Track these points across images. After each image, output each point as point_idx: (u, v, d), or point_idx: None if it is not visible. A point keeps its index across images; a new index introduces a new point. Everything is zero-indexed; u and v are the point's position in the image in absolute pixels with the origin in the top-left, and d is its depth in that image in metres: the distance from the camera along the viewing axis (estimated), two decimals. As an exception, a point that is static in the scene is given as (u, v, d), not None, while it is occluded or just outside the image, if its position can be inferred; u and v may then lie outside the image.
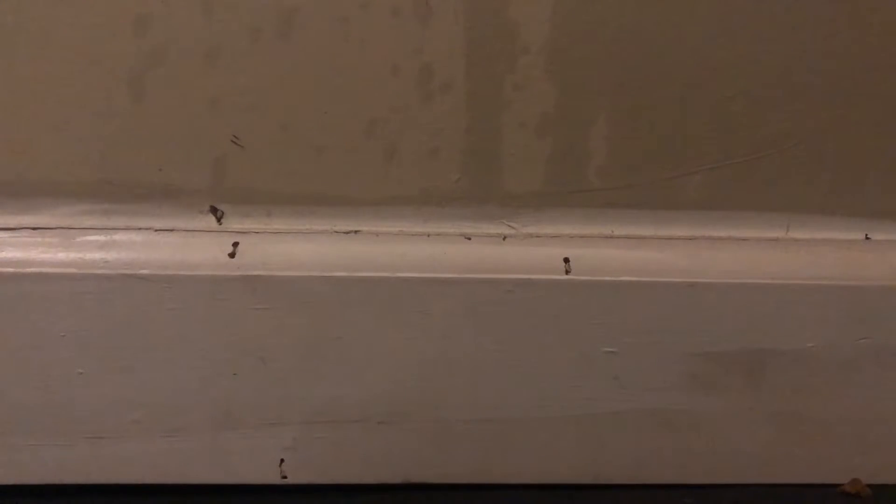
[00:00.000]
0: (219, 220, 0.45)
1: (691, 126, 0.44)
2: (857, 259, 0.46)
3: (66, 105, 0.42)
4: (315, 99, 0.42)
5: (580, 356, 0.46)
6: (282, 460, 0.47)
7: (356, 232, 0.45)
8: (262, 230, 0.45)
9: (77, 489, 0.46)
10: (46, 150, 0.43)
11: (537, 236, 0.46)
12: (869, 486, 0.49)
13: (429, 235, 0.45)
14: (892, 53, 0.43)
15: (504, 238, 0.46)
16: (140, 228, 0.44)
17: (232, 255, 0.44)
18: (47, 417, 0.45)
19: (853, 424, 0.48)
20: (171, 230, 0.44)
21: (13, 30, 0.40)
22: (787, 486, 0.49)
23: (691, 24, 0.41)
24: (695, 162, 0.45)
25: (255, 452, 0.46)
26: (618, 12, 0.41)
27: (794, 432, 0.48)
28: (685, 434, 0.47)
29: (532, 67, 0.42)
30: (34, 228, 0.44)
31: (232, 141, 0.43)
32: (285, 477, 0.47)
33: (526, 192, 0.45)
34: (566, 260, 0.45)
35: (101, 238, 0.44)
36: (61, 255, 0.43)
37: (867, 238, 0.47)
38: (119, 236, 0.44)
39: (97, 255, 0.43)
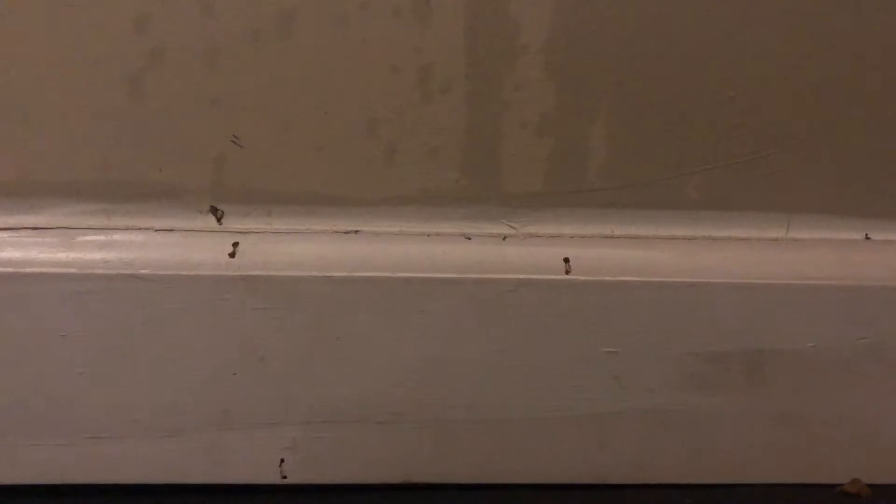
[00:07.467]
0: (219, 220, 0.45)
1: (691, 126, 0.44)
2: (857, 259, 0.46)
3: (66, 105, 0.42)
4: (315, 99, 0.42)
5: (580, 356, 0.46)
6: (282, 460, 0.47)
7: (356, 232, 0.45)
8: (262, 230, 0.45)
9: (77, 489, 0.46)
10: (46, 150, 0.43)
11: (537, 236, 0.46)
12: (869, 486, 0.49)
13: (429, 235, 0.45)
14: (892, 53, 0.43)
15: (504, 238, 0.46)
16: (140, 228, 0.44)
17: (232, 255, 0.44)
18: (47, 417, 0.45)
19: (853, 424, 0.48)
20: (171, 230, 0.44)
21: (13, 30, 0.40)
22: (787, 486, 0.49)
23: (691, 23, 0.41)
24: (695, 162, 0.45)
25: (255, 452, 0.46)
26: (618, 12, 0.41)
27: (794, 432, 0.48)
28: (685, 434, 0.47)
29: (532, 67, 0.42)
30: (34, 228, 0.44)
31: (232, 141, 0.43)
32: (285, 477, 0.47)
33: (526, 192, 0.45)
34: (566, 260, 0.45)
35: (101, 238, 0.44)
36: (61, 255, 0.43)
37: (867, 238, 0.47)
38: (119, 236, 0.44)
39: (97, 255, 0.43)
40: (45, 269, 0.43)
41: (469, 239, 0.45)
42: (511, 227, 0.46)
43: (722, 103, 0.43)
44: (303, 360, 0.45)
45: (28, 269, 0.43)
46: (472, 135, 0.43)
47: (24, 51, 0.41)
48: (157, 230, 0.44)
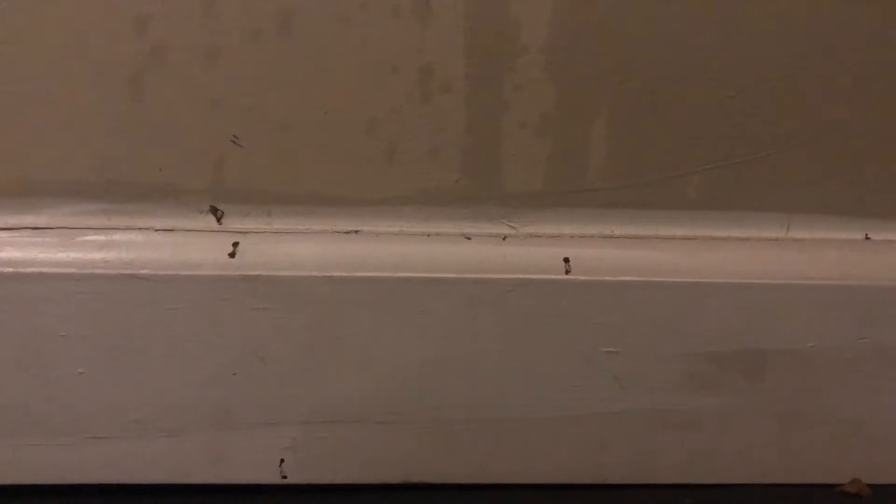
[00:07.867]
0: (219, 220, 0.45)
1: (691, 126, 0.44)
2: (857, 259, 0.46)
3: (66, 105, 0.42)
4: (315, 99, 0.42)
5: (580, 356, 0.46)
6: (282, 460, 0.47)
7: (356, 232, 0.45)
8: (262, 230, 0.45)
9: (77, 489, 0.46)
10: (46, 150, 0.43)
11: (537, 236, 0.46)
12: (869, 486, 0.49)
13: (429, 235, 0.45)
14: (893, 53, 0.43)
15: (504, 238, 0.46)
16: (140, 228, 0.44)
17: (232, 255, 0.44)
18: (47, 417, 0.45)
19: (853, 424, 0.48)
20: (171, 230, 0.44)
21: (13, 30, 0.40)
22: (787, 486, 0.49)
23: (691, 23, 0.41)
24: (695, 162, 0.45)
25: (255, 452, 0.46)
26: (618, 12, 0.41)
27: (794, 432, 0.48)
28: (685, 434, 0.47)
29: (532, 67, 0.42)
30: (34, 228, 0.44)
31: (232, 141, 0.43)
32: (285, 477, 0.47)
33: (526, 192, 0.45)
34: (566, 260, 0.45)
35: (101, 238, 0.44)
36: (61, 255, 0.43)
37: (867, 238, 0.47)
38: (119, 236, 0.44)
39: (97, 255, 0.43)
40: (45, 269, 0.43)
41: (469, 239, 0.45)
42: (511, 227, 0.46)
43: (722, 103, 0.43)
44: (303, 360, 0.45)
45: (28, 269, 0.43)
46: (472, 135, 0.43)
47: (24, 50, 0.41)
48: (157, 230, 0.44)
